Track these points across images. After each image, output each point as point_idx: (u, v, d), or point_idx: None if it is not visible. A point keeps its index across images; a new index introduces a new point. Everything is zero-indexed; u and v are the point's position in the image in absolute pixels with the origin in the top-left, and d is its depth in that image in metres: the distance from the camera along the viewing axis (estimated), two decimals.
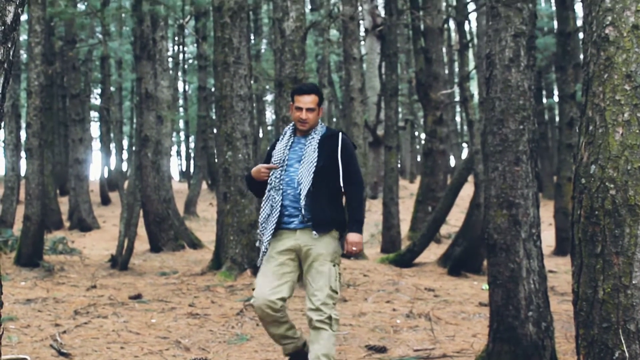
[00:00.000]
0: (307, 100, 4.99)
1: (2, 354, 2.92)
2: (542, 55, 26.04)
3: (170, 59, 30.51)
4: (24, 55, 24.82)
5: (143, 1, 16.33)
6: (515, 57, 5.26)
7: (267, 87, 29.97)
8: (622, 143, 3.48)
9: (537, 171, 5.33)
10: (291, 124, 5.20)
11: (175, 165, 56.99)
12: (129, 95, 36.89)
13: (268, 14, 32.99)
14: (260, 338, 6.68)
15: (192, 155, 42.50)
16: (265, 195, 5.04)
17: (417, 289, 9.89)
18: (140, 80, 16.23)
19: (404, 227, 17.10)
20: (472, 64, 21.79)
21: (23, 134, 24.91)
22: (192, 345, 6.55)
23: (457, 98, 21.09)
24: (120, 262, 12.76)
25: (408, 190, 29.11)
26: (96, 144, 42.27)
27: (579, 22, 16.80)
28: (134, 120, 29.98)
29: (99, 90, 36.54)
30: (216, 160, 11.84)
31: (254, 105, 22.07)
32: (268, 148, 5.33)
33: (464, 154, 36.00)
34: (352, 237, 4.92)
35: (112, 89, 30.52)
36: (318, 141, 5.02)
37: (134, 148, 21.81)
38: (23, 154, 22.17)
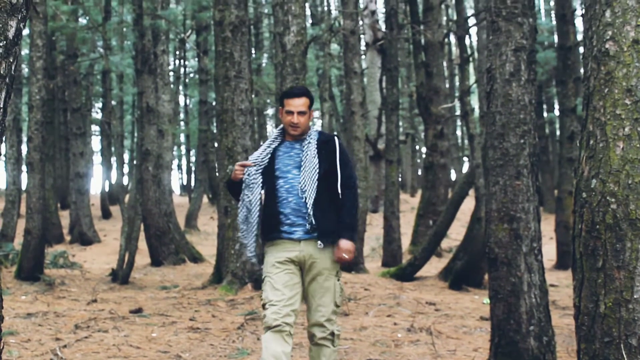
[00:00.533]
0: (298, 104, 4.77)
1: None
2: (543, 69, 26.08)
3: (171, 73, 30.57)
4: (25, 70, 24.95)
5: (144, 15, 16.38)
6: (515, 72, 5.28)
7: (268, 101, 30.08)
8: (623, 157, 3.49)
9: (538, 185, 5.34)
10: (279, 128, 4.98)
11: (176, 179, 57.02)
12: (130, 109, 36.94)
13: (269, 28, 33.09)
14: (261, 352, 6.66)
15: (193, 169, 42.52)
16: (240, 196, 4.82)
17: (419, 303, 9.87)
18: (141, 94, 16.27)
19: (405, 241, 17.09)
20: (472, 78, 21.84)
21: (24, 148, 24.96)
22: (192, 359, 6.53)
23: (458, 112, 21.12)
24: (121, 276, 12.74)
25: (409, 204, 29.09)
26: (97, 158, 42.24)
27: (580, 37, 16.86)
28: (135, 134, 29.99)
29: (100, 104, 36.64)
30: (217, 174, 11.86)
31: (255, 119, 22.10)
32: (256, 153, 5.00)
33: (465, 168, 36.00)
34: (344, 243, 4.64)
35: (113, 102, 30.57)
36: (316, 146, 4.80)
37: (135, 162, 21.84)
38: (24, 167, 22.21)
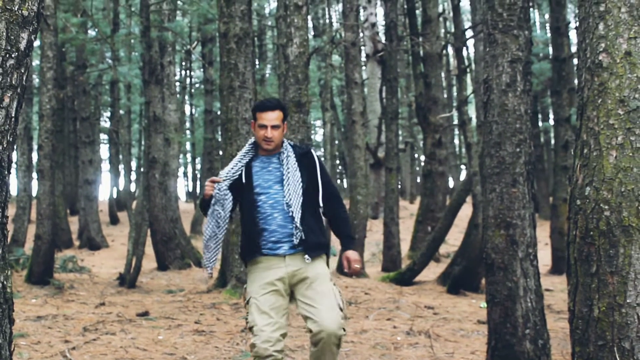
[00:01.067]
0: (272, 117, 4.44)
1: None
2: (538, 80, 26.07)
3: (177, 83, 30.65)
4: (36, 80, 24.99)
5: (151, 28, 16.42)
6: (512, 82, 5.28)
7: None
8: (616, 166, 3.49)
9: (533, 192, 5.34)
10: (249, 142, 4.65)
11: (182, 186, 56.97)
12: (137, 118, 36.96)
13: (272, 39, 33.19)
14: None
15: (199, 176, 42.48)
16: (210, 211, 4.51)
17: (417, 306, 9.86)
18: (148, 103, 16.28)
19: (404, 247, 17.08)
20: (470, 89, 21.85)
21: (35, 156, 25.00)
22: None
23: (456, 121, 21.14)
24: (128, 280, 12.74)
25: (408, 211, 29.06)
26: (105, 166, 42.24)
27: (574, 49, 16.85)
28: (142, 143, 30.04)
29: (108, 114, 36.64)
30: None
31: None
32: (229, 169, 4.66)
33: (463, 176, 35.98)
34: (352, 254, 4.44)
35: (121, 112, 30.56)
36: (296, 160, 4.51)
37: (142, 169, 21.84)
38: (35, 175, 22.24)
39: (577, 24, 3.81)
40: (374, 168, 24.21)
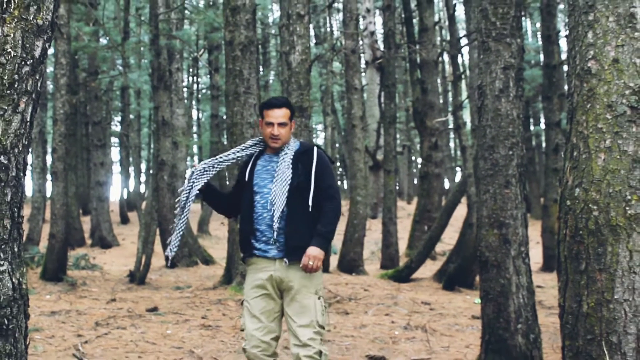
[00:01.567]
0: (278, 115, 4.21)
1: None
2: (530, 86, 26.05)
3: (185, 89, 30.68)
4: (50, 86, 25.00)
5: (160, 36, 16.43)
6: (504, 88, 5.29)
7: None
8: (604, 168, 3.49)
9: (525, 193, 5.34)
10: (256, 139, 4.45)
11: None
12: (147, 122, 36.96)
13: (276, 47, 33.22)
14: None
15: None
16: (181, 189, 4.33)
17: (414, 302, 9.87)
18: (157, 108, 16.29)
19: (402, 245, 17.07)
20: (464, 94, 21.83)
21: (49, 158, 25.00)
22: (204, 354, 6.53)
23: (451, 125, 21.12)
24: (138, 277, 12.75)
25: (405, 211, 29.04)
26: (116, 168, 42.31)
27: (564, 56, 16.86)
28: (152, 146, 30.01)
29: (119, 118, 36.71)
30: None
31: None
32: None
33: (458, 177, 35.99)
34: (311, 250, 4.03)
35: (131, 116, 30.61)
36: (292, 157, 4.23)
37: (151, 171, 21.85)
38: (49, 176, 22.24)
39: (567, 32, 3.81)
40: (373, 170, 24.21)
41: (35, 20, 2.97)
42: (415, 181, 38.90)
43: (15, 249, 2.96)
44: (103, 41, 23.28)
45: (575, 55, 3.70)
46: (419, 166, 25.40)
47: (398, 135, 29.44)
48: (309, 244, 4.07)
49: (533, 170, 29.26)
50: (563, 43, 21.36)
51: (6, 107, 2.87)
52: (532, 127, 32.20)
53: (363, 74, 24.83)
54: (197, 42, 29.40)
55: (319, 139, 48.20)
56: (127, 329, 7.73)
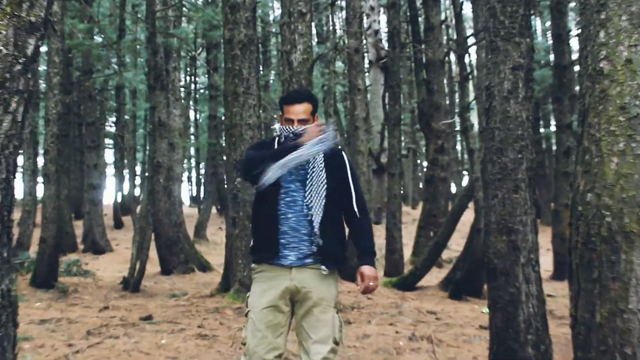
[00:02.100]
0: (299, 110, 3.99)
1: None
2: (540, 87, 26.11)
3: (182, 89, 30.67)
4: (42, 85, 25.02)
5: (157, 34, 16.45)
6: (513, 89, 5.28)
7: (275, 116, 30.09)
8: (617, 172, 3.48)
9: (535, 198, 5.33)
10: (278, 134, 4.19)
11: (186, 190, 56.97)
12: (142, 123, 37.04)
13: (276, 46, 33.25)
14: None
15: (203, 181, 42.51)
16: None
17: (420, 312, 9.85)
18: (153, 109, 16.30)
19: (407, 252, 17.07)
20: (472, 95, 21.85)
21: (40, 160, 25.03)
22: None
23: (458, 127, 21.12)
24: (132, 284, 12.74)
25: (410, 216, 29.06)
26: (110, 170, 42.40)
27: (575, 56, 16.85)
28: (147, 147, 30.07)
29: (113, 119, 36.69)
30: (225, 186, 11.87)
31: (262, 133, 22.15)
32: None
33: (465, 182, 35.98)
34: (368, 270, 3.86)
35: (126, 117, 30.70)
36: (323, 159, 3.98)
37: (146, 174, 21.86)
38: (40, 179, 22.26)
39: (579, 31, 3.81)
40: (376, 173, 24.21)
41: (28, 17, 2.97)
42: (421, 185, 38.93)
43: (5, 254, 2.96)
44: (98, 39, 23.29)
45: (587, 55, 3.70)
46: (425, 170, 25.39)
47: (403, 138, 29.45)
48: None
49: (543, 174, 29.28)
50: (574, 42, 21.36)
51: None
52: (542, 130, 32.23)
53: (366, 74, 24.85)
54: (195, 41, 29.47)
55: None
56: (120, 338, 7.71)
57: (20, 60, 2.95)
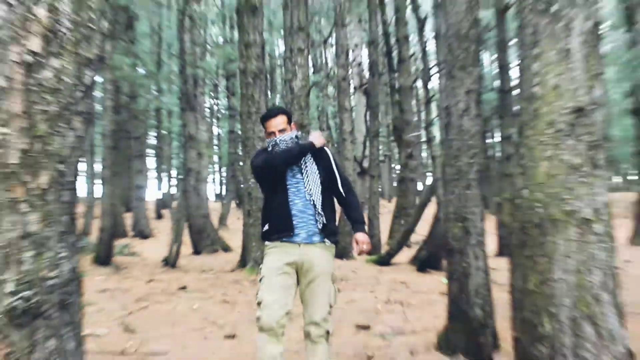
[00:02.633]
0: (277, 123, 3.94)
1: (85, 330, 2.95)
2: (488, 106, 26.10)
3: (207, 110, 30.62)
4: (99, 107, 24.97)
5: (187, 66, 16.43)
6: (467, 108, 5.30)
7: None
8: (546, 173, 3.51)
9: (483, 194, 5.35)
10: (267, 145, 4.07)
11: (212, 189, 56.86)
12: (176, 137, 36.93)
13: (281, 75, 33.18)
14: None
15: (224, 182, 42.47)
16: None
17: (394, 282, 9.87)
18: (184, 125, 16.29)
19: (384, 236, 17.07)
20: (434, 113, 21.85)
21: (96, 166, 24.94)
22: (225, 324, 6.53)
23: (424, 139, 21.15)
24: (170, 261, 12.74)
25: (386, 208, 29.04)
26: (152, 174, 42.25)
27: (514, 82, 16.87)
28: (180, 156, 30.02)
29: (154, 133, 36.66)
30: (242, 186, 11.86)
31: None
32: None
33: (429, 181, 35.98)
34: (362, 236, 3.92)
35: (163, 132, 30.62)
36: (312, 156, 4.01)
37: (180, 177, 21.81)
38: (96, 181, 22.18)
39: (518, 63, 3.84)
40: (360, 175, 24.18)
41: (86, 54, 2.98)
42: (394, 184, 38.90)
43: (72, 240, 2.98)
44: (141, 71, 23.27)
45: (524, 82, 3.73)
46: (397, 172, 25.41)
47: (380, 147, 29.42)
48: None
49: (489, 175, 29.26)
50: (514, 72, 21.37)
51: (63, 125, 2.88)
52: (489, 140, 32.22)
53: (352, 97, 24.84)
54: (217, 71, 29.40)
55: None
56: (163, 304, 7.73)
57: (80, 88, 2.97)
